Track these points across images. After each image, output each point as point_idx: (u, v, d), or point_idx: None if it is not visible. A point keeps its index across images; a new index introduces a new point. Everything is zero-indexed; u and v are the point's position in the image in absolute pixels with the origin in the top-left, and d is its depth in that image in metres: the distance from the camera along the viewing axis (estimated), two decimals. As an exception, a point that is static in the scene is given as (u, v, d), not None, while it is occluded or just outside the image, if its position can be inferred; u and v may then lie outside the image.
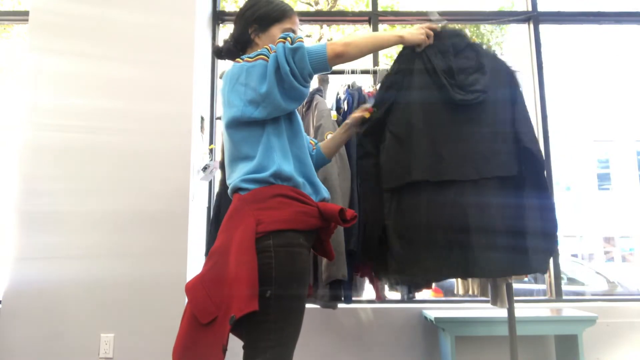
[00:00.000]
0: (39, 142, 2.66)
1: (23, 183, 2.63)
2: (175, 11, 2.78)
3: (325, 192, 1.45)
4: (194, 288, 1.27)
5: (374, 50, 1.44)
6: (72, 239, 2.57)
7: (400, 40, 1.55)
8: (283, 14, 1.52)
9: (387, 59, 6.76)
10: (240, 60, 1.40)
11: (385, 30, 1.53)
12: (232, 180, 1.39)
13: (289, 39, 1.35)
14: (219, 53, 1.60)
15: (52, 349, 2.49)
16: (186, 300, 1.32)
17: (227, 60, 1.61)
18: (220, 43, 1.61)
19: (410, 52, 1.72)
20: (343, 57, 1.35)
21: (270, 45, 1.38)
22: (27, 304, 2.53)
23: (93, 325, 2.51)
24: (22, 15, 3.31)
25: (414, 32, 1.61)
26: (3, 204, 3.49)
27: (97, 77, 2.70)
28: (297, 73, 1.32)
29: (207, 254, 2.05)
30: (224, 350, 1.18)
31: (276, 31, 1.50)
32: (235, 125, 1.37)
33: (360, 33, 1.40)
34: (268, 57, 1.34)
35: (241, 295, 1.18)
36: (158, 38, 2.74)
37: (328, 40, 1.41)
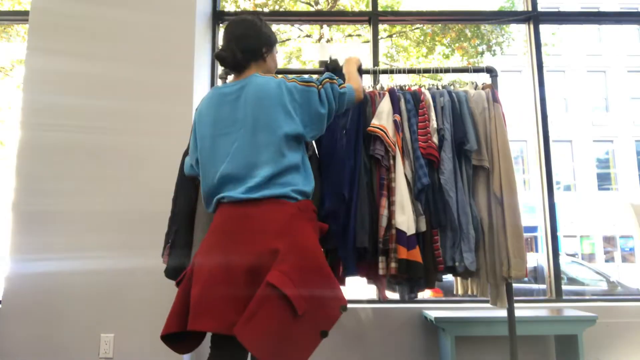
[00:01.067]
0: (38, 142, 2.65)
1: (23, 183, 2.62)
2: (175, 11, 2.78)
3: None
4: (286, 284, 1.33)
5: None
6: (72, 239, 2.57)
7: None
8: (276, 39, 1.75)
9: (387, 59, 6.77)
10: (286, 78, 1.58)
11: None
12: (283, 188, 1.47)
13: (335, 80, 1.62)
14: (223, 60, 1.62)
15: (52, 349, 2.49)
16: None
17: (225, 68, 1.65)
18: (224, 51, 1.62)
19: None
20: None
21: (313, 77, 1.63)
22: (27, 304, 2.53)
23: (93, 325, 2.51)
24: (22, 15, 3.32)
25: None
26: (3, 204, 3.49)
27: (97, 77, 2.70)
28: (336, 110, 1.63)
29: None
30: (324, 335, 1.35)
31: (275, 52, 1.73)
32: (289, 139, 1.52)
33: (357, 73, 1.90)
34: (317, 86, 1.58)
35: (338, 290, 1.41)
36: (158, 38, 2.74)
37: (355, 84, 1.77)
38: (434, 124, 2.13)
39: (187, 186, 2.01)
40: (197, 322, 1.34)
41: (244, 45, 1.61)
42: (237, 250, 1.40)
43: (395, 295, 2.36)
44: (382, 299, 2.22)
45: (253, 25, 1.65)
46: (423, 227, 2.06)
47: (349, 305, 2.68)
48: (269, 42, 1.67)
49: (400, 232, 1.99)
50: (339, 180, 2.02)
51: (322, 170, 2.05)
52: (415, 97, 2.21)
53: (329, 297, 1.37)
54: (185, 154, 2.03)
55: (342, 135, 2.08)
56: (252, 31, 1.64)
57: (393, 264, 1.99)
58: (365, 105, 2.18)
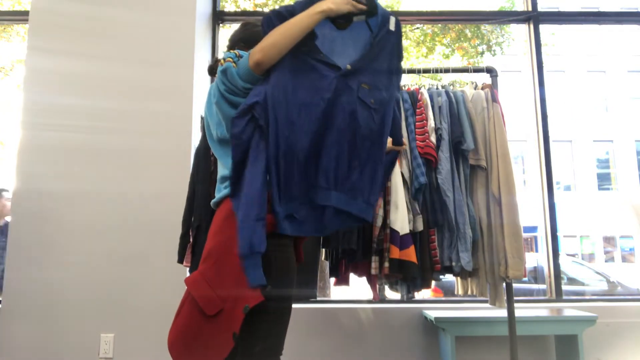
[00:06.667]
0: (38, 142, 2.65)
1: (23, 183, 2.62)
2: (175, 11, 2.78)
3: None
4: (197, 284, 1.33)
5: (300, 37, 1.35)
6: (72, 238, 2.57)
7: (326, 13, 1.37)
8: (258, 35, 1.51)
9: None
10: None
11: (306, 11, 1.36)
12: (226, 189, 1.43)
13: (221, 61, 1.44)
14: (211, 71, 1.65)
15: (52, 349, 2.49)
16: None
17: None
18: (212, 61, 1.69)
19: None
20: (264, 62, 1.34)
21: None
22: (27, 304, 2.53)
23: (93, 325, 2.51)
24: (22, 15, 3.32)
25: (339, 1, 1.40)
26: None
27: (97, 77, 2.70)
28: (233, 89, 1.40)
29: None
30: (235, 337, 1.28)
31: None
32: (217, 143, 1.47)
33: (281, 26, 1.36)
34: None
35: (249, 290, 1.29)
36: (158, 38, 2.74)
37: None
38: (431, 123, 2.13)
39: (205, 180, 1.98)
40: None
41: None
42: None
43: (395, 295, 2.36)
44: (374, 299, 2.22)
45: (232, 34, 1.67)
46: (420, 227, 2.06)
47: (349, 306, 2.70)
48: (242, 39, 1.61)
49: (393, 232, 1.99)
50: None
51: None
52: (413, 97, 2.21)
53: (239, 297, 1.30)
54: (199, 151, 2.02)
55: None
56: (229, 38, 1.66)
57: (386, 264, 2.00)
58: None
